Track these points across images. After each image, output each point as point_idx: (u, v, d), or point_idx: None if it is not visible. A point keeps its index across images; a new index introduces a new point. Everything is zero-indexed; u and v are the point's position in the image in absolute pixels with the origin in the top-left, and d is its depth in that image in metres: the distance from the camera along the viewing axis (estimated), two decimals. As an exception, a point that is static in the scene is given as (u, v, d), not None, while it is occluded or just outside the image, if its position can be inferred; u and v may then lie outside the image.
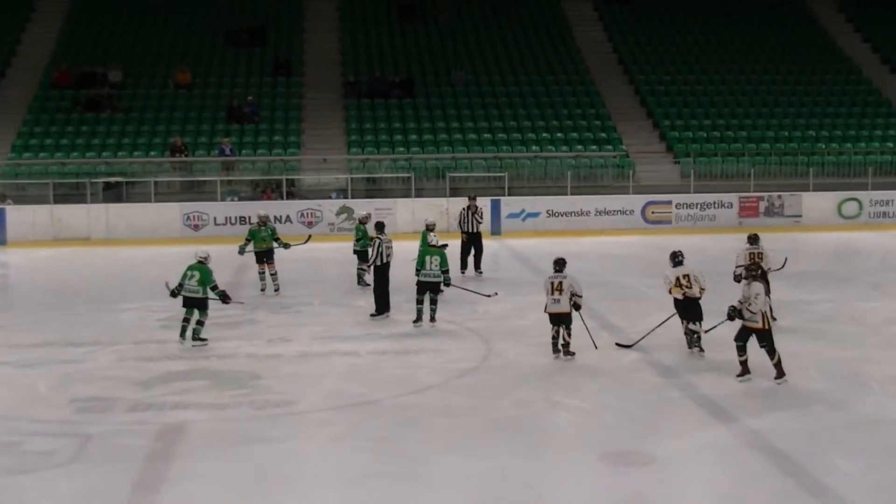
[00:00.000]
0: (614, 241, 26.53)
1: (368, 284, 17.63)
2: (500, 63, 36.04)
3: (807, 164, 31.01)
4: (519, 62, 36.17)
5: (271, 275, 18.72)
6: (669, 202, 28.78)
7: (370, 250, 16.59)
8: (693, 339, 13.39)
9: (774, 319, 15.78)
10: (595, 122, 33.03)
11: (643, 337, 13.92)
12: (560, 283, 13.26)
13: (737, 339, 12.08)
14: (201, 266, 14.41)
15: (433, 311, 15.54)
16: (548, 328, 13.31)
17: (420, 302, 15.45)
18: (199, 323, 14.36)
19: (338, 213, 27.42)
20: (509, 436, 10.23)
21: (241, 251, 18.88)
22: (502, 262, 23.11)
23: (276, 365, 13.23)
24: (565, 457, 9.67)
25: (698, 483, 9.25)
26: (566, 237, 26.61)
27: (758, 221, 28.55)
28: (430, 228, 17.45)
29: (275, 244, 18.83)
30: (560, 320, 13.29)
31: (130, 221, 27.08)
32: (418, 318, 15.44)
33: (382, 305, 16.19)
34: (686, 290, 13.24)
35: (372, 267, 16.52)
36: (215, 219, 27.05)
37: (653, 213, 28.61)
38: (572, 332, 13.26)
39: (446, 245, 16.26)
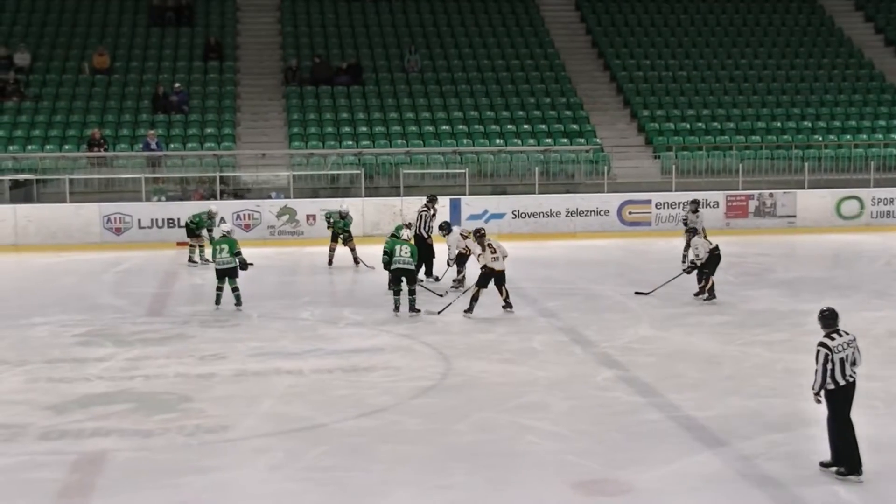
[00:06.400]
0: (587, 244, 26.56)
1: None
2: (459, 46, 36.07)
3: (802, 158, 31.18)
4: (480, 45, 36.22)
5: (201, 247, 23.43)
6: (649, 201, 28.81)
7: None
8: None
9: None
10: (566, 113, 33.12)
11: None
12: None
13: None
14: (227, 238, 17.98)
15: (412, 301, 17.26)
16: (513, 342, 13.42)
17: (397, 293, 17.25)
18: (235, 289, 17.83)
19: (278, 215, 27.29)
20: (470, 465, 10.22)
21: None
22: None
23: (208, 385, 13.16)
24: (533, 487, 9.67)
25: (681, 514, 9.33)
26: (534, 241, 26.56)
27: (747, 222, 28.75)
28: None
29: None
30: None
31: (42, 224, 26.71)
32: (396, 308, 17.21)
33: None
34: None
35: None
36: (139, 221, 26.76)
37: (630, 213, 28.69)
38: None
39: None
